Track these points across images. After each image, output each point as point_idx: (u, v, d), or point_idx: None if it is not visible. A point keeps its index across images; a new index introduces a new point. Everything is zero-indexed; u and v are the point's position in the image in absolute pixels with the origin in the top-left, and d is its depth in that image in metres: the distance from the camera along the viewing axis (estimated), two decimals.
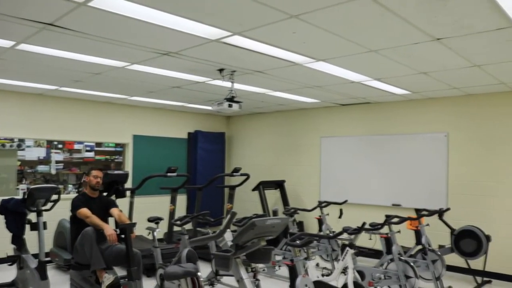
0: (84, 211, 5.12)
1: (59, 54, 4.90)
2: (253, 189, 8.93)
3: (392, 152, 8.10)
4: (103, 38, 4.28)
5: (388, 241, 5.77)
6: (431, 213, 6.35)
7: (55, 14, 3.58)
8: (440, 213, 6.50)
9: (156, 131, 9.65)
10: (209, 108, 8.58)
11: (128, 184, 8.48)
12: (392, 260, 5.56)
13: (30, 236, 5.41)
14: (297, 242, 4.38)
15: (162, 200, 8.76)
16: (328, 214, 7.50)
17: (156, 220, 5.73)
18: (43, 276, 4.97)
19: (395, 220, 5.80)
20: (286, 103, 8.69)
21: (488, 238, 6.25)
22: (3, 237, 5.53)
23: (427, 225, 6.29)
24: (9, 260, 5.42)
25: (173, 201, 7.93)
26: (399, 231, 5.83)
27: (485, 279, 6.60)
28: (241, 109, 6.49)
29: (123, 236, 4.83)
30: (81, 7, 3.40)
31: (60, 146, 9.13)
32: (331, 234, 6.32)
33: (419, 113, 7.81)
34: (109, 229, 4.91)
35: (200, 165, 10.22)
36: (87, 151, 9.61)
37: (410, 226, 6.25)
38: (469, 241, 6.35)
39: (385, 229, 5.73)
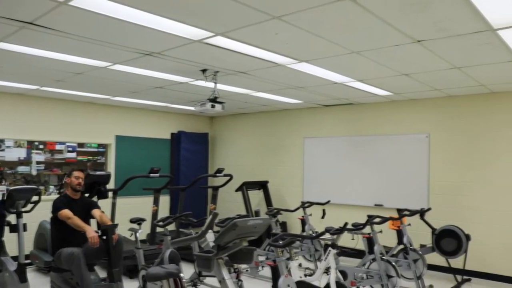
0: (66, 212, 5.06)
1: (40, 53, 4.84)
2: (236, 190, 8.92)
3: (375, 152, 8.17)
4: (85, 37, 4.24)
5: (370, 241, 5.81)
6: (412, 213, 6.41)
7: (35, 12, 3.54)
8: (422, 213, 6.57)
9: (139, 131, 9.59)
10: (192, 108, 8.55)
11: (111, 185, 8.44)
12: (374, 259, 5.60)
13: (9, 238, 5.34)
14: (280, 242, 4.39)
15: (145, 201, 8.70)
16: (311, 215, 7.53)
17: (138, 221, 5.71)
18: (23, 279, 4.90)
19: (377, 220, 5.85)
20: (270, 104, 8.71)
21: (468, 237, 6.34)
22: None
23: (409, 225, 6.35)
24: None
25: (156, 202, 7.88)
26: (381, 231, 5.89)
27: (465, 277, 6.70)
28: (224, 110, 6.49)
29: (104, 237, 4.80)
30: (62, 6, 3.36)
31: (41, 146, 8.99)
32: (313, 235, 6.34)
33: (401, 114, 7.90)
34: (91, 231, 4.87)
35: (183, 165, 10.18)
36: (69, 151, 9.48)
37: (392, 226, 6.31)
38: (450, 241, 6.43)
39: (367, 229, 5.78)
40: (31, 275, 6.54)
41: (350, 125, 8.59)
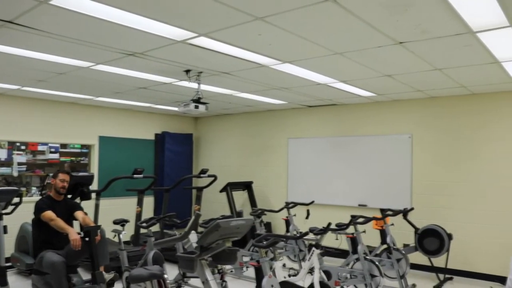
0: (49, 214, 4.99)
1: (21, 53, 4.78)
2: (221, 191, 8.91)
3: (358, 153, 8.22)
4: (66, 37, 4.19)
5: (354, 241, 5.85)
6: (395, 213, 6.47)
7: (14, 11, 3.49)
8: (405, 213, 6.63)
9: (123, 132, 9.52)
10: (176, 109, 8.53)
11: (94, 186, 8.37)
12: (357, 259, 5.63)
13: None
14: (263, 243, 4.40)
15: (128, 202, 8.65)
16: (295, 215, 7.55)
17: (122, 222, 5.65)
18: (3, 282, 4.84)
19: (361, 220, 5.89)
20: (254, 105, 8.71)
21: (450, 236, 6.41)
22: None
23: (392, 224, 6.41)
24: None
25: (139, 203, 7.83)
26: (364, 231, 5.93)
27: (447, 276, 6.77)
28: (209, 111, 6.48)
29: (87, 239, 4.75)
30: (42, 5, 3.32)
31: (22, 147, 8.88)
32: (297, 235, 6.37)
33: (384, 115, 7.97)
34: (74, 233, 4.81)
35: (167, 166, 10.13)
36: (51, 152, 9.38)
37: (376, 226, 6.36)
38: (432, 240, 6.50)
39: (350, 229, 5.81)
40: (12, 278, 6.46)
41: (334, 126, 8.63)
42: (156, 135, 10.22)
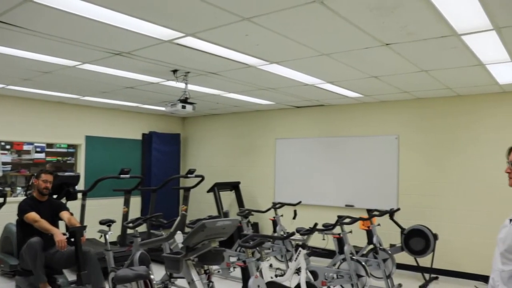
0: (33, 215, 4.93)
1: (4, 51, 4.73)
2: (208, 191, 8.90)
3: (346, 153, 8.26)
4: (52, 36, 4.16)
5: (341, 241, 5.88)
6: (382, 213, 6.52)
7: None
8: (391, 213, 6.68)
9: (110, 132, 9.47)
10: (164, 109, 8.49)
11: (81, 186, 8.32)
12: (344, 259, 5.66)
13: None
14: (249, 243, 4.40)
15: (115, 202, 8.59)
16: (282, 215, 7.57)
17: (108, 222, 5.61)
18: None
19: (347, 220, 5.92)
20: (241, 105, 8.71)
21: (435, 236, 6.48)
22: None
23: (378, 225, 6.45)
24: None
25: (126, 203, 7.78)
26: (350, 231, 5.96)
27: (432, 275, 6.84)
28: (196, 111, 6.48)
29: (73, 239, 4.72)
30: (27, 3, 3.29)
31: (7, 147, 8.79)
32: (284, 235, 6.38)
33: (371, 115, 8.01)
34: (59, 234, 4.77)
35: (154, 166, 10.10)
36: (37, 152, 9.29)
37: (363, 226, 6.40)
38: (418, 240, 6.56)
39: (337, 230, 5.84)
40: None
41: (321, 126, 8.66)
42: (144, 135, 10.17)
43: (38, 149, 9.25)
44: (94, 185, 7.16)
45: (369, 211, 6.58)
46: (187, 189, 8.47)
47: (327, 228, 5.76)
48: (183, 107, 6.00)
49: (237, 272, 6.18)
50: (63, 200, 6.32)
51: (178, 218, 3.67)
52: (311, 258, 5.82)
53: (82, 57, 5.02)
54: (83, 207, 7.12)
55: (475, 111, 6.95)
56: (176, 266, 3.26)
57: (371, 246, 6.31)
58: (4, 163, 8.46)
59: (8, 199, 6.27)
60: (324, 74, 5.79)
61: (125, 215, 7.69)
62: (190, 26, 3.84)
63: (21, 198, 7.15)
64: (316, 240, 6.33)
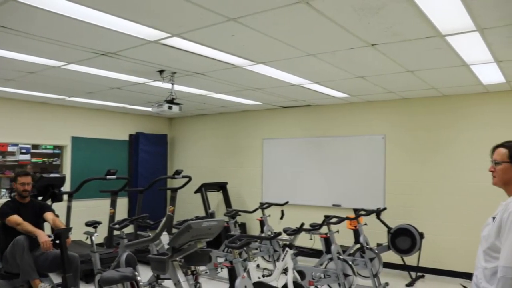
0: (14, 218, 4.85)
1: None
2: (195, 191, 8.88)
3: (333, 153, 8.29)
4: (36, 36, 4.12)
5: (328, 241, 5.89)
6: (368, 212, 6.55)
7: None
8: (378, 212, 6.72)
9: (96, 133, 9.40)
10: (150, 109, 8.46)
11: (67, 188, 8.25)
12: (331, 259, 5.68)
13: None
14: (236, 243, 4.39)
15: (102, 203, 8.54)
16: (269, 216, 7.57)
17: (94, 224, 5.56)
18: None
19: (334, 220, 5.94)
20: (228, 105, 8.71)
21: (421, 235, 6.53)
22: None
23: (365, 224, 6.49)
24: None
25: (113, 205, 7.73)
26: (337, 231, 5.98)
27: (419, 274, 6.90)
28: (183, 111, 6.46)
29: (58, 241, 4.67)
30: (10, 2, 3.25)
31: None
32: (271, 235, 6.38)
33: (358, 115, 8.05)
34: (43, 235, 4.71)
35: (141, 167, 10.05)
36: (22, 153, 9.19)
37: (349, 225, 6.43)
38: (404, 239, 6.60)
39: (324, 229, 5.86)
40: None
41: (308, 127, 8.69)
42: (130, 135, 10.12)
43: (23, 151, 9.15)
44: (80, 187, 7.09)
45: (356, 210, 6.62)
46: (174, 190, 8.44)
47: (314, 228, 5.77)
48: (170, 107, 5.98)
49: (225, 273, 6.17)
50: (49, 202, 6.25)
51: (164, 219, 3.66)
52: (299, 258, 5.83)
53: (67, 58, 4.98)
54: (69, 208, 7.06)
55: (460, 111, 7.03)
56: (161, 267, 3.25)
57: (358, 246, 6.34)
58: None
59: None
60: (311, 75, 5.81)
61: (112, 217, 7.64)
62: (175, 26, 3.83)
63: (5, 199, 7.08)
64: (303, 240, 6.35)
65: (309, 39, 4.20)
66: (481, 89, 6.53)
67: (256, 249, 7.12)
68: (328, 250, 5.79)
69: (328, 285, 5.82)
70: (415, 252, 6.55)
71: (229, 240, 4.43)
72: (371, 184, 7.79)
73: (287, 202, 7.57)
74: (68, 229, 4.86)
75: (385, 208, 7.00)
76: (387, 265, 6.80)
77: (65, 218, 6.79)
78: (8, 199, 6.63)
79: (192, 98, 7.73)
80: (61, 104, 8.54)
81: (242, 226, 8.78)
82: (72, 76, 5.88)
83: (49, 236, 4.72)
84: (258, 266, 6.96)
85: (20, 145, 8.92)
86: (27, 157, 9.24)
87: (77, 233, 5.64)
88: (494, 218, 2.39)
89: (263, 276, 6.58)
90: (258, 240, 6.96)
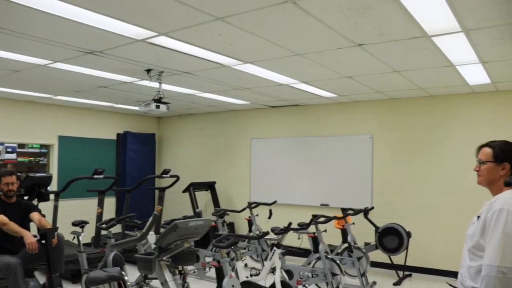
0: (1, 218, 4.79)
1: None
2: (184, 191, 8.85)
3: (321, 153, 8.31)
4: (21, 33, 4.07)
5: (315, 240, 5.91)
6: (356, 212, 6.58)
7: None
8: (365, 212, 6.75)
9: (83, 132, 9.33)
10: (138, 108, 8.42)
11: (54, 187, 8.18)
12: (319, 258, 5.70)
13: None
14: (223, 243, 4.39)
15: (89, 203, 8.48)
16: (257, 215, 7.58)
17: (81, 224, 5.52)
18: None
19: (321, 219, 5.96)
20: (216, 105, 8.69)
21: (408, 234, 6.56)
22: None
23: (353, 223, 6.51)
24: None
25: (100, 204, 7.69)
26: (325, 230, 6.00)
27: (406, 273, 6.93)
28: (171, 110, 6.44)
29: (44, 241, 4.63)
30: None
31: None
32: (259, 235, 6.39)
33: (346, 115, 8.09)
34: (29, 236, 4.66)
35: (129, 166, 9.99)
36: (8, 152, 9.11)
37: (337, 225, 6.46)
38: (392, 238, 6.63)
39: (312, 229, 5.87)
40: None
41: (296, 126, 8.71)
42: (118, 135, 10.06)
43: (9, 150, 9.08)
44: (67, 186, 7.04)
45: (343, 210, 6.64)
46: (162, 190, 8.41)
47: (302, 227, 5.78)
48: (157, 106, 5.95)
49: (213, 272, 6.15)
50: (35, 202, 6.19)
51: (150, 219, 3.64)
52: (286, 257, 5.84)
53: (53, 56, 4.93)
54: (55, 208, 6.99)
55: (447, 111, 7.09)
56: (148, 267, 3.24)
57: (346, 245, 6.37)
58: None
59: None
60: (298, 74, 5.82)
61: (99, 216, 7.59)
62: (163, 25, 3.81)
63: None
64: (291, 239, 6.37)
65: (296, 38, 4.21)
66: (467, 89, 6.59)
67: (244, 248, 7.12)
68: (316, 250, 5.81)
69: (316, 284, 5.84)
70: (403, 251, 6.58)
71: (217, 239, 4.42)
72: (359, 184, 7.83)
73: (275, 202, 7.58)
74: (54, 229, 4.83)
75: (372, 208, 7.04)
76: (374, 264, 6.84)
77: (51, 217, 6.73)
78: None
79: (180, 98, 7.71)
80: (48, 102, 8.47)
81: (231, 226, 8.77)
82: (58, 74, 5.83)
83: (35, 236, 4.68)
84: (246, 265, 6.98)
85: (6, 144, 8.84)
86: (13, 156, 9.17)
87: (64, 233, 5.57)
88: (478, 217, 2.41)
89: (251, 275, 6.59)
90: (246, 240, 6.96)
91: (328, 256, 5.71)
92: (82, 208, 8.55)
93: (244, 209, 7.63)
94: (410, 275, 7.02)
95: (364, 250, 6.17)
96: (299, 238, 6.21)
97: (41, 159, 9.55)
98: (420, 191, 7.25)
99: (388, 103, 7.62)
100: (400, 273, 6.85)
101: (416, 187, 7.29)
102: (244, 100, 8.04)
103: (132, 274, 5.23)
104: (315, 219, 5.84)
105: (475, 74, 5.57)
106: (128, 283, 4.35)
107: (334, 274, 5.53)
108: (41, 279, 5.51)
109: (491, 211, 2.29)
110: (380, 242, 6.70)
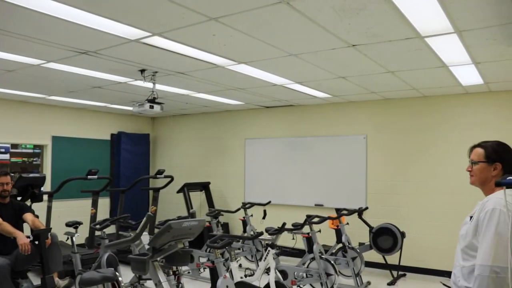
0: None
1: None
2: (178, 191, 8.83)
3: (315, 153, 8.32)
4: (14, 33, 4.05)
5: (310, 241, 5.92)
6: (350, 212, 6.59)
7: None
8: (359, 212, 6.77)
9: (77, 132, 9.29)
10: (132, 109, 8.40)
11: (48, 188, 8.14)
12: (313, 258, 5.71)
13: None
14: (218, 243, 4.39)
15: (83, 203, 8.45)
16: (252, 215, 7.58)
17: (74, 224, 5.51)
18: None
19: (316, 220, 5.96)
20: (211, 105, 8.69)
21: (403, 234, 6.58)
22: None
23: (347, 224, 6.53)
24: None
25: (94, 205, 7.66)
26: (319, 231, 6.01)
27: (400, 272, 6.96)
28: (165, 111, 6.42)
29: (37, 242, 4.61)
30: None
31: None
32: (253, 235, 6.39)
33: (340, 116, 8.10)
34: (22, 237, 4.65)
35: (124, 167, 9.97)
36: (1, 152, 9.06)
37: (332, 225, 6.47)
38: (386, 238, 6.65)
39: (306, 229, 5.88)
40: None
41: (290, 126, 8.71)
42: (112, 135, 10.03)
43: (2, 150, 9.02)
44: (61, 187, 7.01)
45: (338, 210, 6.65)
46: (157, 190, 8.40)
47: (296, 227, 5.79)
48: (151, 107, 5.94)
49: (207, 273, 6.14)
50: (28, 202, 6.17)
51: (144, 219, 3.63)
52: (281, 258, 5.84)
53: (46, 56, 4.91)
54: (49, 209, 6.96)
55: (440, 112, 7.12)
56: (142, 268, 3.23)
57: (340, 245, 6.38)
58: None
59: None
60: (292, 75, 5.82)
61: (93, 217, 7.57)
62: (156, 25, 3.81)
63: None
64: (285, 240, 6.37)
65: (290, 39, 4.21)
66: (461, 90, 6.62)
67: (239, 249, 7.12)
68: (310, 250, 5.82)
69: (311, 285, 5.84)
70: (397, 251, 6.60)
71: (211, 240, 4.42)
72: (353, 184, 7.85)
73: (269, 202, 7.59)
74: (47, 229, 4.82)
75: (367, 208, 7.06)
76: (369, 264, 6.86)
77: (45, 218, 6.71)
78: None
79: (174, 98, 7.69)
80: (41, 103, 8.43)
81: (225, 226, 8.77)
82: (52, 74, 5.80)
83: (28, 237, 4.66)
84: (240, 266, 6.98)
85: None
86: (6, 156, 9.12)
87: (57, 234, 5.55)
88: (471, 217, 2.41)
89: (245, 276, 6.59)
90: (240, 240, 6.96)
91: (323, 256, 5.72)
92: (76, 208, 8.51)
93: (238, 209, 7.62)
94: (404, 275, 7.04)
95: (358, 250, 6.18)
96: (293, 239, 6.21)
97: (34, 159, 9.50)
98: (414, 191, 7.27)
99: (382, 103, 7.64)
100: (395, 273, 6.87)
101: (410, 187, 7.31)
102: (238, 100, 8.04)
103: (126, 275, 5.21)
104: (309, 220, 5.85)
105: (468, 75, 5.60)
106: (122, 284, 4.33)
107: (328, 274, 5.53)
108: (35, 280, 5.49)
109: (484, 211, 2.30)
110: (375, 242, 6.71)
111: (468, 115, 6.89)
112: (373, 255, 6.88)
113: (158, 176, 8.21)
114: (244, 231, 7.56)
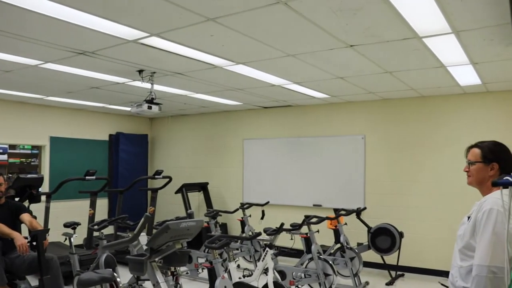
0: None
1: None
2: (176, 192, 8.83)
3: (313, 154, 8.32)
4: (11, 34, 4.04)
5: (308, 241, 5.92)
6: (348, 212, 6.60)
7: None
8: (358, 212, 6.77)
9: (75, 132, 9.28)
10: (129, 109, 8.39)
11: (46, 188, 8.13)
12: (311, 259, 5.71)
13: None
14: (216, 243, 4.38)
15: (82, 204, 8.44)
16: (250, 216, 7.58)
17: (72, 225, 5.50)
18: None
19: (314, 220, 5.96)
20: (209, 105, 8.68)
21: (401, 234, 6.59)
22: None
23: (345, 224, 6.53)
24: None
25: (92, 205, 7.65)
26: (317, 231, 6.01)
27: (398, 273, 6.97)
28: (163, 111, 6.41)
29: (35, 243, 4.59)
30: None
31: None
32: (251, 236, 6.39)
33: (338, 116, 8.11)
34: (20, 238, 4.62)
35: (122, 167, 9.95)
36: None
37: (330, 225, 6.47)
38: (384, 238, 6.66)
39: (304, 229, 5.88)
40: None
41: (289, 127, 8.71)
42: (110, 135, 10.02)
43: (0, 151, 9.01)
44: (59, 187, 7.00)
45: (336, 210, 6.65)
46: (155, 190, 8.39)
47: (295, 228, 5.79)
48: (149, 107, 5.93)
49: (205, 273, 6.15)
50: (26, 203, 6.15)
51: (142, 220, 3.63)
52: (279, 258, 5.84)
53: (44, 56, 4.90)
54: (47, 209, 6.96)
55: (438, 112, 7.13)
56: (139, 268, 3.22)
57: (338, 245, 6.38)
58: None
59: None
60: (291, 75, 5.83)
61: (91, 217, 7.56)
62: (154, 26, 3.80)
63: None
64: (284, 240, 6.37)
65: (288, 39, 4.21)
66: (459, 90, 6.63)
67: (237, 249, 7.12)
68: (309, 250, 5.82)
69: (309, 285, 5.85)
70: (395, 251, 6.61)
71: (209, 240, 4.42)
72: (351, 184, 7.85)
73: (267, 202, 7.59)
74: (45, 230, 4.79)
75: (365, 208, 7.07)
76: (367, 264, 6.86)
77: (43, 219, 6.70)
78: None
79: (173, 98, 7.69)
80: (39, 103, 8.42)
81: (223, 227, 8.77)
82: (50, 75, 5.80)
83: (26, 238, 4.65)
84: (238, 266, 6.96)
85: None
86: (4, 157, 9.11)
87: (55, 235, 5.56)
88: (469, 217, 2.42)
89: (244, 276, 6.58)
90: (239, 241, 6.96)
91: (321, 256, 5.72)
92: (74, 209, 8.51)
93: (236, 210, 7.62)
94: (402, 275, 7.05)
95: (356, 251, 6.19)
96: (291, 239, 6.22)
97: (32, 160, 9.49)
98: (412, 191, 7.28)
99: (380, 103, 7.65)
100: (393, 273, 6.87)
101: (408, 187, 7.32)
102: (236, 101, 8.04)
103: (124, 275, 5.21)
104: (307, 220, 5.85)
105: (466, 75, 5.61)
106: (120, 285, 4.32)
107: (326, 275, 5.53)
108: (32, 281, 5.48)
109: (481, 211, 2.30)
110: (373, 242, 6.72)
111: (466, 115, 6.90)
112: (371, 255, 6.88)
113: (156, 176, 8.20)
114: (243, 231, 7.55)
